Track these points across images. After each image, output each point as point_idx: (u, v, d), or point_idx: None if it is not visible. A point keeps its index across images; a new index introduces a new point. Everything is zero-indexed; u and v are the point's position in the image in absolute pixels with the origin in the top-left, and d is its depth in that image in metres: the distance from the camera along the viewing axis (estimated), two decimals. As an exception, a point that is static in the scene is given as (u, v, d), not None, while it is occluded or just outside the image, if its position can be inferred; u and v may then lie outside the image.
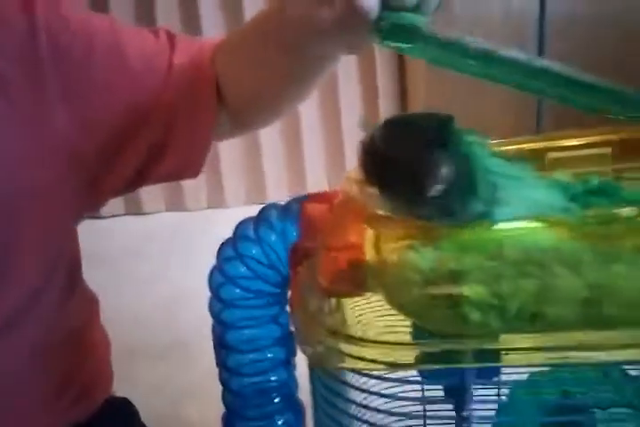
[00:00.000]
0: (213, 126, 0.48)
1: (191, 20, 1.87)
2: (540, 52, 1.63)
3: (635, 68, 1.74)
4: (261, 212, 0.43)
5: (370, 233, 0.35)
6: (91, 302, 0.59)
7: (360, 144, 0.33)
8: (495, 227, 0.30)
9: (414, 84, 1.90)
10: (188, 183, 2.07)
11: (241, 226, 0.42)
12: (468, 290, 0.30)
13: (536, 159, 0.44)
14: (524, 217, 0.30)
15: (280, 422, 0.43)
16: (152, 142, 0.48)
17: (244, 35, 0.48)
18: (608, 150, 0.43)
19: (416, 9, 0.34)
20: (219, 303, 0.42)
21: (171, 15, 1.87)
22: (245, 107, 0.50)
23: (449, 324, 0.31)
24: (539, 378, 0.44)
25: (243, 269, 0.41)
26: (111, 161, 0.47)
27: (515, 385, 0.43)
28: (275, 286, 0.41)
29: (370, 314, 0.38)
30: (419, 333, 0.32)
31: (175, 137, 0.48)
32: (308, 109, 1.94)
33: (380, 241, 0.35)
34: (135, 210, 2.05)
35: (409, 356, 0.29)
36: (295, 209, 0.42)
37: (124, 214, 2.05)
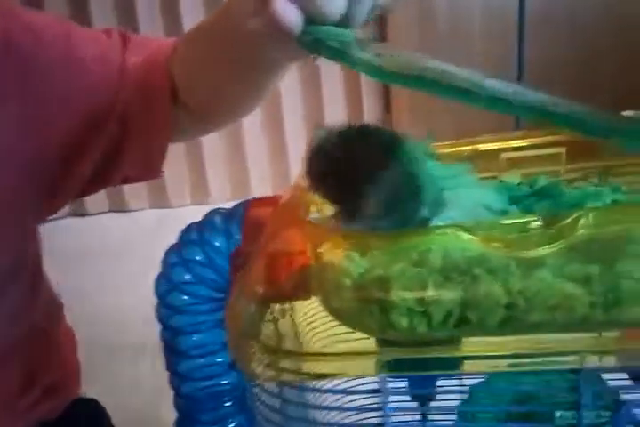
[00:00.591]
0: (169, 128, 0.48)
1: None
2: (520, 41, 1.62)
3: (611, 59, 1.74)
4: (206, 216, 0.42)
5: (309, 239, 0.35)
6: (54, 302, 0.59)
7: (307, 150, 0.33)
8: (422, 234, 0.30)
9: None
10: (171, 180, 2.06)
11: (186, 231, 0.42)
12: (394, 296, 0.30)
13: (490, 160, 0.44)
14: (453, 224, 0.30)
15: (232, 426, 0.43)
16: (108, 145, 0.47)
17: (196, 36, 0.47)
18: (562, 150, 0.43)
19: (343, 22, 0.32)
20: (166, 310, 0.42)
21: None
22: (202, 108, 0.49)
23: (379, 330, 0.31)
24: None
25: (188, 276, 0.41)
26: (67, 165, 0.47)
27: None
28: (219, 291, 0.41)
29: (313, 324, 0.38)
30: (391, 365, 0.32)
31: (131, 139, 0.48)
32: (291, 107, 1.93)
33: (317, 247, 0.34)
34: (119, 207, 2.05)
35: (361, 367, 0.29)
36: (240, 213, 0.41)
37: (108, 211, 2.05)
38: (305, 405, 0.32)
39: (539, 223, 0.27)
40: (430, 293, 0.29)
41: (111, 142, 0.47)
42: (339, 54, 0.30)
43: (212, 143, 1.99)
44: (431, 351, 0.31)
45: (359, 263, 0.31)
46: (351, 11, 0.31)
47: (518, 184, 0.42)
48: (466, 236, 0.28)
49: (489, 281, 0.29)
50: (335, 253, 0.33)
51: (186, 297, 0.42)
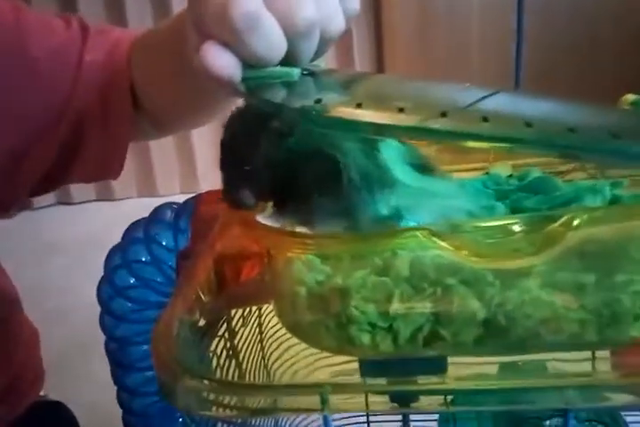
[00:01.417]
0: (128, 129, 0.45)
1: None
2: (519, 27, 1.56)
3: (608, 48, 1.69)
4: (154, 212, 0.38)
5: (261, 240, 0.31)
6: (8, 296, 0.55)
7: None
8: (388, 238, 0.25)
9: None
10: (160, 168, 2.02)
11: (131, 228, 0.38)
12: (354, 309, 0.25)
13: (481, 150, 0.39)
14: (423, 226, 0.25)
15: (188, 443, 0.39)
16: (61, 145, 0.44)
17: (151, 47, 0.44)
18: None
19: (289, 60, 0.27)
20: (110, 318, 0.38)
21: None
22: (161, 112, 0.46)
23: (338, 347, 0.26)
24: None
25: (132, 280, 0.36)
26: (16, 166, 0.43)
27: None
28: (168, 295, 0.37)
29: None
30: (369, 367, 0.27)
31: (87, 140, 0.44)
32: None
33: (272, 250, 0.30)
34: (106, 196, 2.00)
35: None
36: (191, 208, 0.37)
37: (95, 200, 2.00)
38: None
39: (521, 227, 0.22)
40: (396, 305, 0.24)
41: (65, 142, 0.44)
42: (277, 108, 0.26)
43: (202, 131, 1.94)
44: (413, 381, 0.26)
45: (318, 269, 0.27)
46: (296, 50, 0.27)
47: (508, 177, 0.37)
48: (436, 241, 0.23)
49: (464, 293, 0.24)
50: (290, 257, 0.28)
51: (130, 304, 0.37)
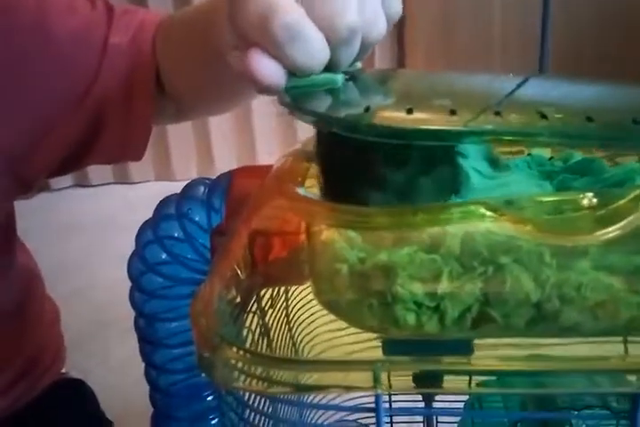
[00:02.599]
0: (151, 113, 0.44)
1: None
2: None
3: (637, 35, 1.64)
4: (186, 188, 0.37)
5: (301, 215, 0.30)
6: (31, 273, 0.55)
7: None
8: (438, 211, 0.24)
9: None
10: (177, 152, 2.02)
11: (162, 204, 0.37)
12: (400, 287, 0.24)
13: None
14: (477, 200, 0.24)
15: (214, 422, 0.38)
16: (83, 128, 0.43)
17: (178, 33, 0.43)
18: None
19: (328, 67, 0.26)
20: (140, 294, 0.37)
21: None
22: (184, 98, 0.45)
23: (380, 327, 0.26)
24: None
25: (164, 256, 0.36)
26: (36, 147, 0.42)
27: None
28: (199, 272, 0.36)
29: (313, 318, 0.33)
30: (392, 345, 0.26)
31: (109, 123, 0.43)
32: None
33: (312, 226, 0.29)
34: (124, 179, 2.00)
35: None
36: (225, 184, 0.36)
37: (113, 183, 2.01)
38: (305, 425, 0.26)
39: (590, 201, 0.21)
40: (444, 284, 0.23)
41: (85, 129, 0.43)
42: (327, 120, 0.25)
43: (220, 116, 1.93)
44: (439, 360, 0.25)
45: (359, 246, 0.26)
46: (337, 57, 0.26)
47: (550, 159, 0.36)
48: (492, 215, 0.22)
49: (517, 273, 0.23)
50: (330, 234, 0.27)
51: (162, 280, 0.37)
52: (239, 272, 0.30)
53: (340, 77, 0.27)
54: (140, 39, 0.42)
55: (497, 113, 0.23)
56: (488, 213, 0.22)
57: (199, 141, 1.99)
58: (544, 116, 0.22)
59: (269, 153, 1.95)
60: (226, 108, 0.52)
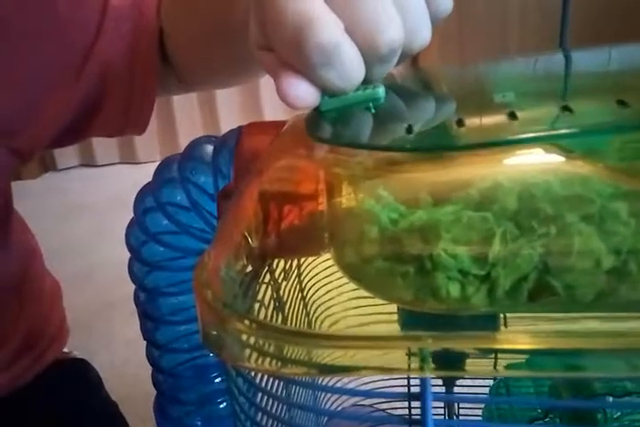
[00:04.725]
0: (155, 83, 0.41)
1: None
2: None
3: None
4: (190, 147, 0.33)
5: (322, 173, 0.26)
6: (29, 249, 0.53)
7: None
8: (489, 158, 0.20)
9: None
10: (183, 132, 1.98)
11: (163, 166, 0.33)
12: (442, 252, 0.20)
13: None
14: (543, 135, 0.19)
15: (222, 406, 0.35)
16: (84, 95, 0.40)
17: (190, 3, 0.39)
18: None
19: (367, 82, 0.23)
20: (141, 265, 0.33)
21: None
22: (190, 70, 0.42)
23: (416, 299, 0.22)
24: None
25: (165, 223, 0.32)
26: (35, 114, 0.39)
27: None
28: (206, 241, 0.32)
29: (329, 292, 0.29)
30: (410, 318, 0.23)
31: (111, 92, 0.41)
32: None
33: (334, 184, 0.25)
34: (130, 159, 1.98)
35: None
36: (232, 142, 0.32)
37: (119, 163, 1.98)
38: (319, 411, 0.23)
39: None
40: (497, 248, 0.20)
41: (86, 96, 0.40)
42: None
43: (227, 95, 1.90)
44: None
45: (392, 205, 0.22)
46: (372, 73, 0.23)
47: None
48: (561, 159, 0.18)
49: (587, 233, 0.19)
50: (357, 191, 0.23)
51: (164, 250, 0.33)
52: (249, 239, 0.26)
53: (381, 91, 0.24)
54: (142, 3, 0.40)
55: (565, 108, 0.18)
56: (559, 154, 0.18)
57: (205, 122, 1.96)
58: (623, 103, 0.18)
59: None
60: (232, 83, 0.48)
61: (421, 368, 0.17)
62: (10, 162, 0.41)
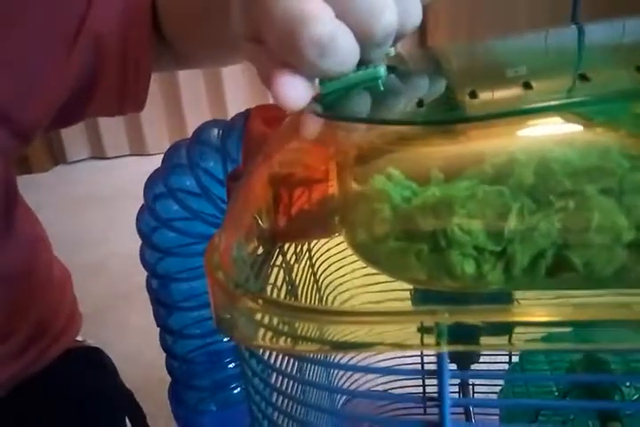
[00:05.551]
0: (149, 58, 0.40)
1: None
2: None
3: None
4: (197, 131, 0.33)
5: (331, 153, 0.25)
6: (36, 237, 0.53)
7: None
8: (502, 133, 0.20)
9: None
10: (193, 123, 1.98)
11: (172, 152, 0.33)
12: (457, 229, 0.20)
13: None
14: (565, 101, 0.18)
15: (237, 392, 0.35)
16: (79, 70, 0.39)
17: None
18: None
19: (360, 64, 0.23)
20: (152, 251, 0.33)
21: None
22: (184, 48, 0.41)
23: (431, 278, 0.21)
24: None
25: (176, 209, 0.32)
26: (30, 91, 0.39)
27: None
28: (216, 226, 0.32)
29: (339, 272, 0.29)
30: (422, 294, 0.22)
31: (106, 67, 0.40)
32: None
33: (344, 164, 0.25)
34: (139, 151, 1.98)
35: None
36: (240, 125, 0.31)
37: (129, 155, 1.98)
38: (334, 389, 0.22)
39: None
40: (513, 224, 0.19)
41: (81, 71, 0.39)
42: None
43: (235, 84, 1.89)
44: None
45: (403, 183, 0.21)
46: (368, 56, 0.23)
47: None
48: (580, 128, 0.17)
49: (607, 206, 0.19)
50: (368, 170, 0.23)
51: (176, 236, 0.33)
52: (259, 221, 0.26)
53: (382, 70, 0.23)
54: None
55: (582, 76, 0.18)
56: (577, 125, 0.17)
57: (214, 111, 1.95)
58: None
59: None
60: (229, 62, 0.47)
61: (438, 343, 0.16)
62: (11, 144, 0.41)
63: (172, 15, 0.40)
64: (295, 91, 0.22)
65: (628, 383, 0.38)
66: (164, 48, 0.42)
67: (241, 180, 0.28)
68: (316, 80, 0.25)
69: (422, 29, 1.76)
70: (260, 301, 0.20)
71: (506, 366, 0.45)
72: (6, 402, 0.49)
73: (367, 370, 0.23)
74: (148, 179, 0.33)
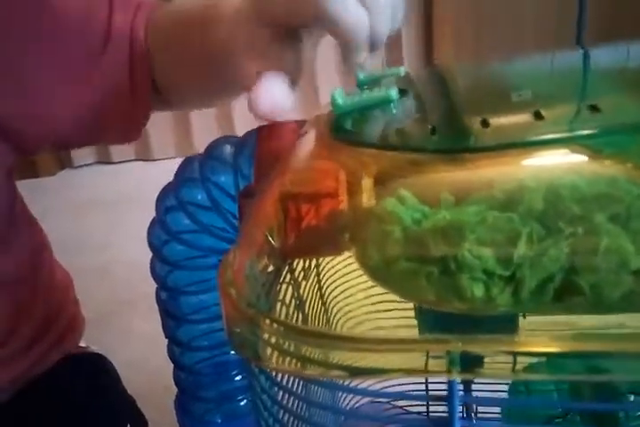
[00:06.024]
0: (150, 97, 0.41)
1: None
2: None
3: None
4: (210, 147, 0.33)
5: (344, 174, 0.26)
6: (38, 245, 0.53)
7: None
8: (513, 158, 0.20)
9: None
10: (198, 128, 1.99)
11: (184, 166, 0.33)
12: (467, 253, 0.20)
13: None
14: (569, 135, 0.19)
15: (243, 404, 0.35)
16: (91, 103, 0.40)
17: (178, 16, 0.40)
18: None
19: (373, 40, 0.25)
20: (162, 264, 0.34)
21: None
22: (168, 91, 0.42)
23: (440, 300, 0.22)
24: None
25: (187, 222, 0.32)
26: (35, 117, 0.40)
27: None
28: (226, 241, 0.32)
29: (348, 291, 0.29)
30: (427, 319, 0.23)
31: (113, 108, 0.41)
32: (324, 56, 1.80)
33: (354, 184, 0.25)
34: (145, 156, 1.99)
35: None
36: (252, 142, 0.32)
37: (134, 160, 1.99)
38: (339, 410, 0.23)
39: None
40: (523, 249, 0.19)
41: (96, 98, 0.40)
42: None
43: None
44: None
45: (414, 205, 0.22)
46: (375, 25, 0.25)
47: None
48: (589, 159, 0.18)
49: (614, 234, 0.19)
50: (380, 192, 0.23)
51: (185, 249, 0.33)
52: (271, 239, 0.26)
53: (394, 93, 0.25)
54: (136, 24, 0.40)
55: (592, 107, 0.18)
56: (583, 154, 0.18)
57: (220, 117, 1.96)
58: None
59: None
60: (213, 105, 0.49)
61: (449, 371, 0.17)
62: (9, 158, 0.42)
63: (163, 61, 0.41)
64: (272, 95, 0.24)
65: (632, 398, 0.38)
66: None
67: (254, 197, 0.29)
68: (330, 100, 0.26)
69: (428, 42, 1.77)
70: (268, 321, 0.20)
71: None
72: (8, 407, 0.50)
73: (372, 394, 0.23)
74: (160, 192, 0.34)
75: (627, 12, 1.54)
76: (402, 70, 0.28)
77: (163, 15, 0.41)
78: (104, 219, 1.55)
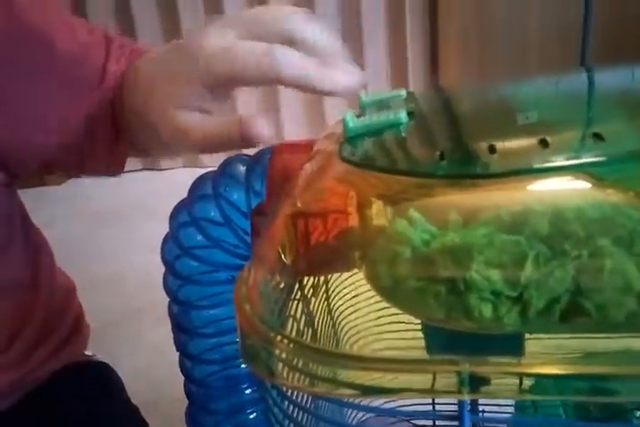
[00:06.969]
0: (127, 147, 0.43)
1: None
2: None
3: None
4: (223, 165, 0.34)
5: (354, 195, 0.27)
6: (39, 251, 0.54)
7: None
8: (521, 184, 0.21)
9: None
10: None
11: (198, 183, 0.34)
12: (475, 274, 0.21)
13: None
14: (577, 163, 0.20)
15: (252, 417, 0.36)
16: (72, 138, 0.42)
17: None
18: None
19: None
20: (174, 279, 0.35)
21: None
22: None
23: (449, 318, 0.22)
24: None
25: (199, 238, 0.33)
26: (22, 144, 0.41)
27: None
28: (238, 257, 0.33)
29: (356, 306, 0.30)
30: (435, 337, 0.23)
31: (98, 146, 0.42)
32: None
33: (365, 205, 0.26)
34: (152, 165, 2.00)
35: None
36: (265, 161, 0.33)
37: (141, 169, 2.01)
38: (347, 425, 0.23)
39: None
40: (529, 271, 0.20)
41: (79, 135, 0.42)
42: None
43: (247, 103, 1.91)
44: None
45: (424, 227, 0.23)
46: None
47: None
48: (593, 187, 0.18)
49: (618, 257, 0.20)
50: (389, 213, 0.24)
51: (197, 264, 0.34)
52: (283, 257, 0.27)
53: (403, 116, 0.25)
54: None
55: (596, 135, 0.19)
56: (590, 184, 0.18)
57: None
58: None
59: (298, 137, 1.92)
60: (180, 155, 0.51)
61: (459, 391, 0.17)
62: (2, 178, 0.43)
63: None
64: (264, 125, 0.27)
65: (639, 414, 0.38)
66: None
67: (266, 215, 0.29)
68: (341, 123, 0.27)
69: (434, 60, 1.78)
70: (280, 337, 0.21)
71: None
72: (10, 415, 0.50)
73: (381, 411, 0.24)
74: (174, 208, 0.35)
75: (632, 33, 1.55)
76: (403, 93, 0.28)
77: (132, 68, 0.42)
78: (110, 228, 1.56)
